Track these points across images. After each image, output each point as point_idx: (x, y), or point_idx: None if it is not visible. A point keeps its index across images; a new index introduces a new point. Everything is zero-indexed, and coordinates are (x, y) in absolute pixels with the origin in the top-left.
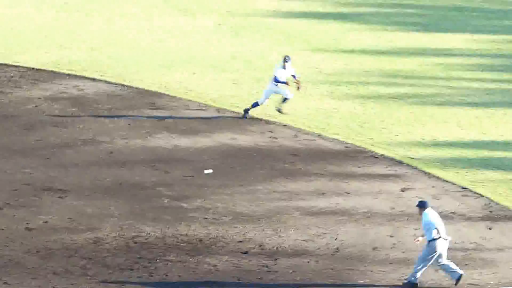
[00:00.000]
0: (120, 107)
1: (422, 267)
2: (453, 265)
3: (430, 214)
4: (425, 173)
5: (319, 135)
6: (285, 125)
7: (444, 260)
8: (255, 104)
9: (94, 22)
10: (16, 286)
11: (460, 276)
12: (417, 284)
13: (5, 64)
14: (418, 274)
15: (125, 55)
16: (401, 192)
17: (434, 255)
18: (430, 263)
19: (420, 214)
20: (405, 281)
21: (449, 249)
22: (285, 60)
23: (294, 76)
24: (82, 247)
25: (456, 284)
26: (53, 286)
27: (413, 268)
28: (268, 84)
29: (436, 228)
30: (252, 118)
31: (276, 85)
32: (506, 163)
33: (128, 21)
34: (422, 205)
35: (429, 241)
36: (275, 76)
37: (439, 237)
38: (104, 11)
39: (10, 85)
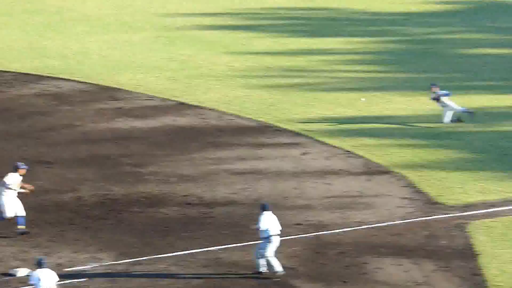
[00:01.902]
0: (89, 100)
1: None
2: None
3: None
4: (318, 141)
5: (238, 116)
6: (211, 109)
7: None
8: None
9: (66, 38)
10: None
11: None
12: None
13: (2, 71)
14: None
15: (89, 62)
16: (301, 156)
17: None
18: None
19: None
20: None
21: (339, 196)
22: None
23: None
24: (68, 204)
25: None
26: (47, 233)
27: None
28: None
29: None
30: (185, 104)
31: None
32: (377, 132)
33: (90, 36)
34: (263, 208)
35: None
36: None
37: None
38: (70, 30)
39: (7, 86)
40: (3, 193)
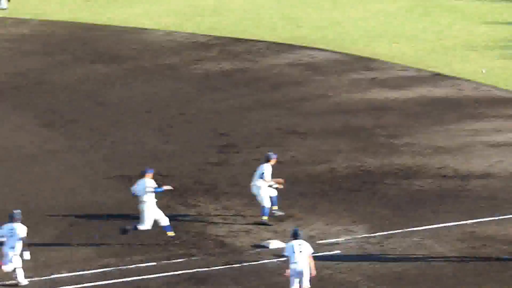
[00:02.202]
0: (343, 70)
1: None
2: None
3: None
4: None
5: (495, 87)
6: (468, 80)
7: None
8: None
9: (319, 8)
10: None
11: None
12: None
13: (254, 40)
14: None
15: (344, 32)
16: None
17: None
18: None
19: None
20: None
21: None
22: None
23: None
24: (321, 175)
25: None
26: (300, 204)
27: None
28: None
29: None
30: (441, 75)
31: None
32: None
33: (343, 7)
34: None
35: None
36: None
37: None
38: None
39: (260, 55)
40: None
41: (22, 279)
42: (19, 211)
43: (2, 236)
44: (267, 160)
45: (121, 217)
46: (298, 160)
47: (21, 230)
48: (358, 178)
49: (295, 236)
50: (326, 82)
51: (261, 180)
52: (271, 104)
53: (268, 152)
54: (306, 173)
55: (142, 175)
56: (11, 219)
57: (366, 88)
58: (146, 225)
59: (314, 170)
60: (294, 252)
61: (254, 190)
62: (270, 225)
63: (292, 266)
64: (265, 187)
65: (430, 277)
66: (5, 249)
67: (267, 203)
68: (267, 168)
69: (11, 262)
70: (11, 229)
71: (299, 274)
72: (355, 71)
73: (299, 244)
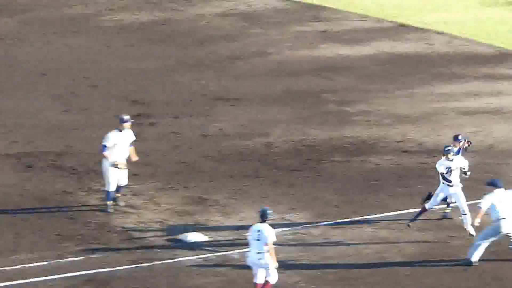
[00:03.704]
0: (286, 21)
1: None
2: None
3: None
4: None
5: (472, 40)
6: (439, 33)
7: None
8: None
9: None
10: (194, 189)
11: None
12: (472, 262)
13: None
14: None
15: None
16: None
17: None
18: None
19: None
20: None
21: None
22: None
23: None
24: (254, 151)
25: None
26: (228, 187)
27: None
28: None
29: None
30: (408, 26)
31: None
32: None
33: None
34: (493, 184)
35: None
36: None
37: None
38: None
39: (184, 3)
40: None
41: None
42: None
43: None
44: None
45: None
46: (227, 133)
47: None
48: (300, 154)
49: (261, 218)
50: (265, 36)
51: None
52: (196, 64)
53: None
54: (236, 149)
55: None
56: None
57: (314, 43)
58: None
59: (246, 146)
60: (252, 239)
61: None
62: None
63: (247, 254)
64: (111, 168)
65: (383, 276)
66: None
67: (110, 187)
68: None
69: None
70: None
71: (257, 266)
72: (301, 22)
73: (258, 230)
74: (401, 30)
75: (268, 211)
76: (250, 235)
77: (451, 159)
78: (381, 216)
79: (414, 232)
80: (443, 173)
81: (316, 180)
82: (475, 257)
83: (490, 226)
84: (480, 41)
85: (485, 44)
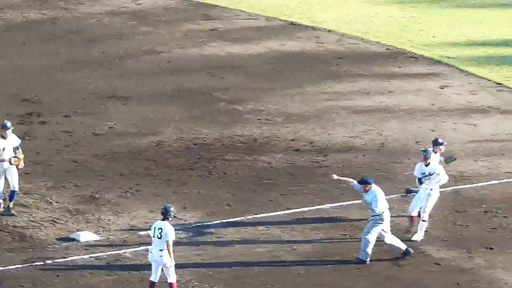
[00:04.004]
0: (176, 19)
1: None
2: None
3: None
4: (462, 71)
5: (362, 39)
6: (329, 31)
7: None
8: None
9: None
10: (85, 188)
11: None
12: (364, 261)
13: None
14: (369, 249)
15: None
16: (440, 90)
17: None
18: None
19: (365, 190)
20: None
21: (486, 141)
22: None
23: None
24: (145, 150)
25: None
26: (119, 186)
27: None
28: None
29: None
30: (298, 25)
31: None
32: None
33: None
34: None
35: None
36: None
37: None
38: None
39: (74, 2)
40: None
41: None
42: None
43: None
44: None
45: None
46: (119, 131)
47: None
48: (192, 153)
49: (162, 215)
50: (155, 34)
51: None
52: (87, 62)
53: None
54: (128, 148)
55: None
56: None
57: (204, 41)
58: None
59: (138, 144)
60: (153, 236)
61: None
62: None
63: (150, 251)
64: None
65: (276, 275)
66: None
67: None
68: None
69: None
70: None
71: (158, 263)
72: (191, 21)
73: (159, 228)
74: (291, 28)
75: (171, 209)
76: (152, 232)
77: (427, 163)
78: (273, 215)
79: (307, 231)
80: (420, 178)
81: (208, 178)
82: (367, 255)
83: (370, 222)
84: (370, 39)
85: (375, 43)
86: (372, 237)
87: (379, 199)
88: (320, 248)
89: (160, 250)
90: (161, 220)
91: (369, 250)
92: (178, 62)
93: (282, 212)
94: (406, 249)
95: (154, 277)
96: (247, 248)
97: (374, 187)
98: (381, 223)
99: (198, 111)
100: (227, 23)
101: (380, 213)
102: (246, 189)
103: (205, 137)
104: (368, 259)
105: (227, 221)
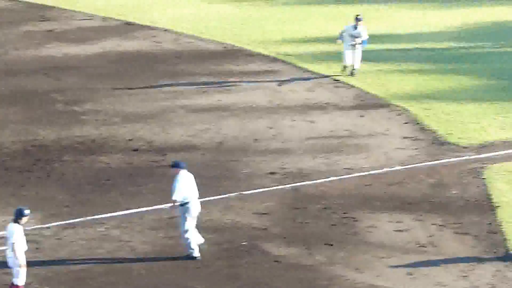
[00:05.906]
0: (12, 20)
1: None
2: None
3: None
4: (299, 67)
5: (198, 38)
6: (166, 30)
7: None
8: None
9: None
10: None
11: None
12: (195, 257)
13: None
14: (192, 245)
15: None
16: (278, 87)
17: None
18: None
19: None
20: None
21: (324, 137)
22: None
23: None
24: None
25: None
26: None
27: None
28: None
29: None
30: (135, 24)
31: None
32: (373, 55)
33: None
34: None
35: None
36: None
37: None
38: None
39: None
40: None
41: None
42: None
43: None
44: None
45: None
46: None
47: None
48: (30, 155)
49: (14, 217)
50: None
51: None
52: None
53: None
54: None
55: None
56: None
57: (41, 43)
58: None
59: None
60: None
61: None
62: None
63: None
64: None
65: (117, 275)
66: None
67: None
68: None
69: None
70: None
71: (12, 265)
72: (27, 22)
73: (9, 230)
74: (128, 28)
75: (25, 211)
76: (6, 234)
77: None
78: (112, 216)
79: (146, 231)
80: None
81: (46, 180)
82: (195, 250)
83: (181, 214)
84: (206, 38)
85: (212, 41)
86: (189, 233)
87: (178, 186)
88: (159, 248)
89: (12, 251)
90: (13, 222)
91: (194, 245)
92: (14, 64)
93: (121, 213)
94: (195, 255)
95: (15, 280)
96: (86, 249)
97: (182, 173)
98: (190, 215)
99: (35, 113)
100: (63, 24)
101: (183, 202)
102: (85, 190)
103: (42, 139)
104: (198, 254)
105: (66, 223)
